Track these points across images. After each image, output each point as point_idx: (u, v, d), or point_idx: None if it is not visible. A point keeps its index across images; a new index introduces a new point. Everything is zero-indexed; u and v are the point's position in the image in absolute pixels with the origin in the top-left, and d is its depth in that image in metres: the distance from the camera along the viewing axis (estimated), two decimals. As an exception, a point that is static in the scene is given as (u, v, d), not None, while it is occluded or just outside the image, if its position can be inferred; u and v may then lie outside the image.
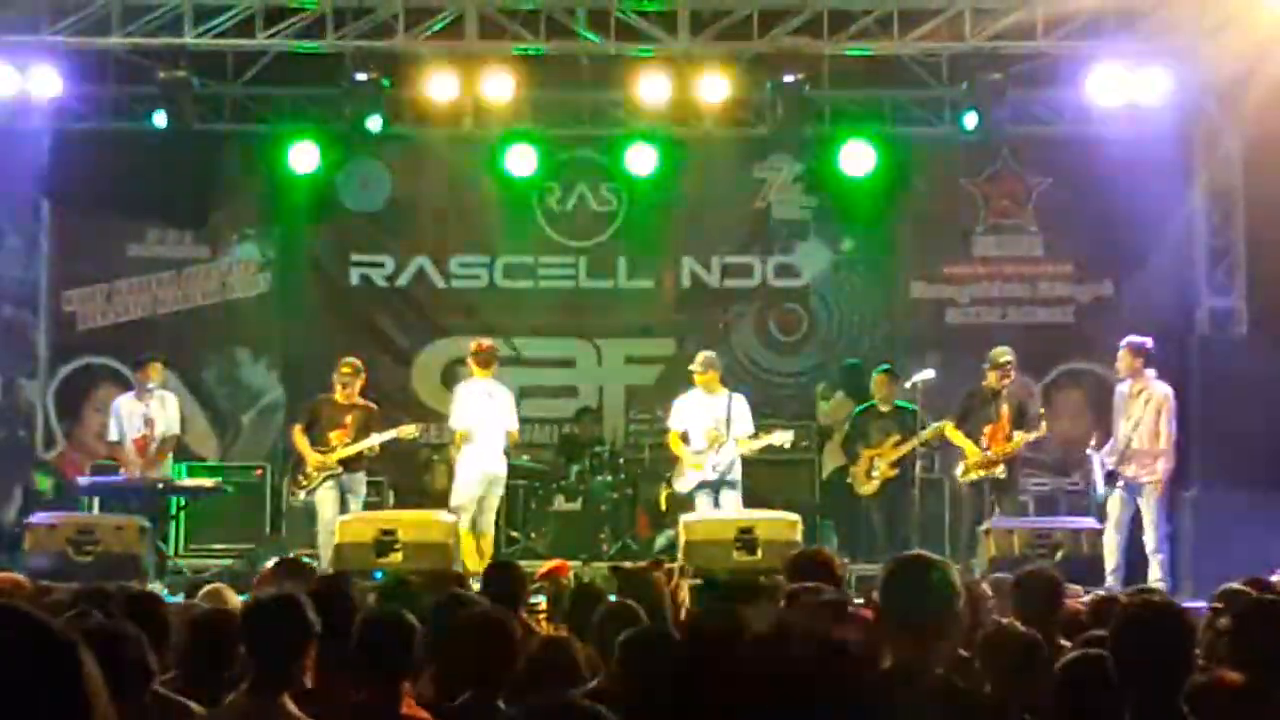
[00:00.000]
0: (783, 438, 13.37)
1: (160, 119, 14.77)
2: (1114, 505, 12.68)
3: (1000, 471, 13.01)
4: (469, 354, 13.75)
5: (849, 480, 14.21)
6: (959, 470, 13.25)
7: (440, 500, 14.07)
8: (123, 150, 15.58)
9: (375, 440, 13.18)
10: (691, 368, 13.58)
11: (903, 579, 4.31)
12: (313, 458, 13.14)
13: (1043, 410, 13.42)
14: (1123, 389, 12.92)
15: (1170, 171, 15.25)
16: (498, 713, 4.88)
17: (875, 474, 13.86)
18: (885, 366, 14.39)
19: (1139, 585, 11.28)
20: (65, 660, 1.72)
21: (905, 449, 13.70)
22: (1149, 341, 12.87)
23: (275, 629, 4.76)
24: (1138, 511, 12.64)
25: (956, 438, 13.25)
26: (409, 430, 13.38)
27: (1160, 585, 12.02)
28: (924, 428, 13.63)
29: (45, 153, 15.67)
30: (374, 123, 15.00)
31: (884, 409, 14.01)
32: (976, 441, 13.04)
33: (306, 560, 10.39)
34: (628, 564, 10.44)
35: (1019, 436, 12.96)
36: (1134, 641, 4.27)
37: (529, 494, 15.06)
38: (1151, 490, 12.57)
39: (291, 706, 4.60)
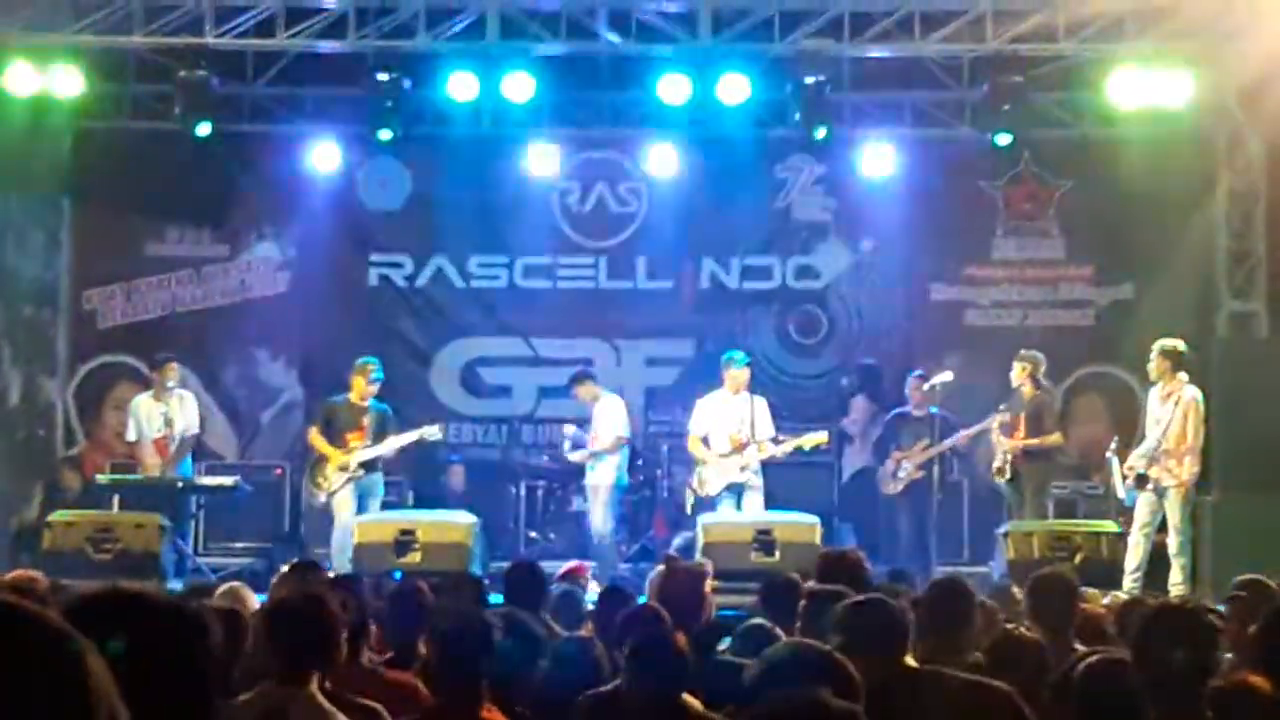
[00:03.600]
0: (813, 439, 13.34)
1: (204, 129, 14.61)
2: (1141, 508, 12.59)
3: (1008, 476, 13.06)
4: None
5: (871, 482, 14.20)
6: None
7: (459, 501, 14.08)
8: (143, 149, 15.61)
9: (397, 443, 13.11)
10: (738, 369, 13.47)
11: (944, 603, 5.54)
12: (336, 457, 13.03)
13: (998, 421, 13.30)
14: (1154, 392, 12.82)
15: (1191, 174, 15.22)
16: None
17: (902, 475, 13.85)
18: (919, 371, 14.33)
19: (1155, 590, 11.28)
20: (68, 659, 1.70)
21: (933, 453, 13.68)
22: (1180, 344, 12.75)
23: (300, 628, 4.77)
24: (1163, 515, 12.58)
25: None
26: (431, 431, 13.30)
27: (1180, 589, 11.98)
28: (952, 433, 13.63)
29: (66, 151, 15.73)
30: (384, 133, 14.94)
31: (917, 413, 13.97)
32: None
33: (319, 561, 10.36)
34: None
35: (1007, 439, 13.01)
36: (1158, 644, 4.25)
37: (547, 494, 15.07)
38: (1176, 493, 12.48)
39: (320, 699, 4.61)
